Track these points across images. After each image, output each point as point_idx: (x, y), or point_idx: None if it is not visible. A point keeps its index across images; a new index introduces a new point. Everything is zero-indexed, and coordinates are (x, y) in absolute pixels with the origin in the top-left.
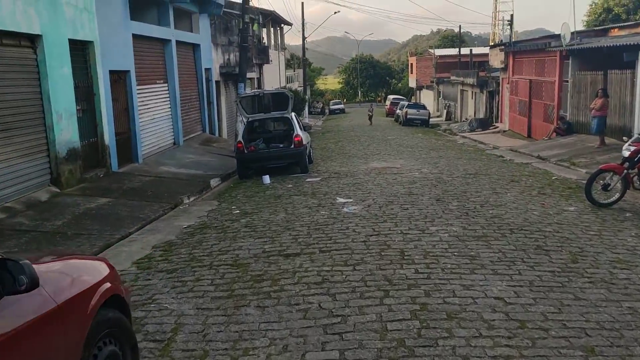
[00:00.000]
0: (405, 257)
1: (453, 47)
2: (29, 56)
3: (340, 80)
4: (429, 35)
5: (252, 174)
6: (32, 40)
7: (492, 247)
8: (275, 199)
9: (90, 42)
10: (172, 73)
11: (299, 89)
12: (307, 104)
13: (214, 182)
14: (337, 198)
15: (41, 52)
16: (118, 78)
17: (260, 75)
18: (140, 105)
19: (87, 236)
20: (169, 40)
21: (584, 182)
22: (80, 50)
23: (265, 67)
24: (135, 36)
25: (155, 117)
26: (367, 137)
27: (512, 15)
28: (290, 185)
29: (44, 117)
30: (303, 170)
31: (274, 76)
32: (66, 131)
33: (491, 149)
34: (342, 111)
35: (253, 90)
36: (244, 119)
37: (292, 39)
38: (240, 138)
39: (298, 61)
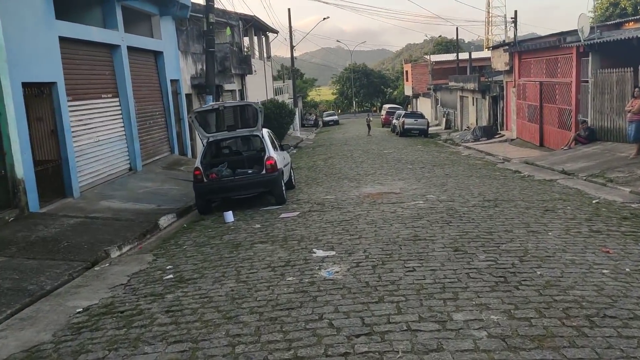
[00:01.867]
0: None
1: (448, 53)
2: None
3: (334, 91)
4: (422, 43)
5: (216, 207)
6: None
7: None
8: (232, 250)
9: None
10: (124, 85)
11: (289, 100)
12: (297, 116)
13: (165, 220)
14: (315, 250)
15: None
16: (39, 92)
17: (242, 87)
18: (76, 126)
19: None
20: (118, 46)
21: (636, 205)
22: None
23: (249, 78)
24: (64, 39)
25: (101, 138)
26: (361, 152)
27: (515, 12)
28: (259, 225)
29: None
30: (279, 201)
31: (260, 87)
32: None
33: (502, 161)
34: (336, 122)
35: (212, 104)
36: (202, 140)
37: (284, 50)
38: (197, 164)
39: (288, 72)
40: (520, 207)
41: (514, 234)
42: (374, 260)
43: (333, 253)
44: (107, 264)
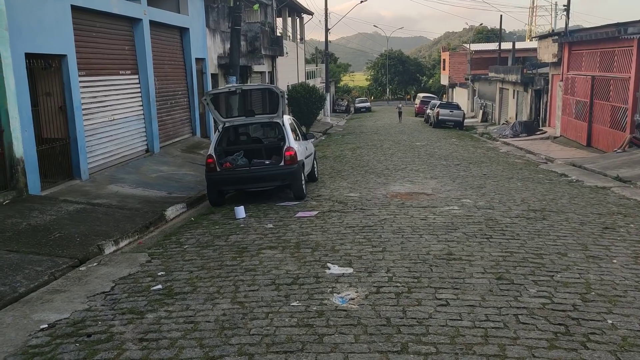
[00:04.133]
0: None
1: (488, 42)
2: None
3: (368, 77)
4: (462, 32)
5: (229, 198)
6: None
7: None
8: (236, 255)
9: None
10: (144, 62)
11: (321, 85)
12: (328, 101)
13: (172, 211)
14: (329, 265)
15: None
16: (46, 65)
17: (272, 69)
18: (89, 103)
19: None
20: (139, 20)
21: None
22: None
23: (280, 60)
24: (78, 9)
25: (116, 117)
26: (391, 143)
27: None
28: (271, 225)
29: None
30: (297, 196)
31: (291, 70)
32: None
33: (545, 161)
34: (368, 109)
35: (228, 85)
36: (218, 124)
37: (319, 33)
38: (211, 151)
39: (322, 55)
40: (573, 222)
41: (570, 259)
42: (399, 284)
43: (350, 270)
44: (96, 263)
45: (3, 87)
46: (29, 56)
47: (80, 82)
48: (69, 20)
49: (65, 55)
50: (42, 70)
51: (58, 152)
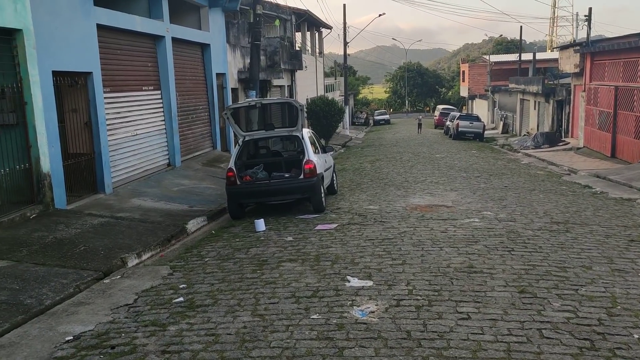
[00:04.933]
0: None
1: (508, 53)
2: None
3: (387, 90)
4: (481, 43)
5: (249, 211)
6: None
7: None
8: (256, 268)
9: (18, 31)
10: (166, 77)
11: (340, 98)
12: (347, 114)
13: (194, 224)
14: (349, 277)
15: None
16: (72, 82)
17: (292, 83)
18: (113, 118)
19: None
20: (162, 37)
21: None
22: (3, 42)
23: (299, 73)
24: (103, 28)
25: (139, 132)
26: (411, 155)
27: (590, 9)
28: (291, 238)
29: None
30: (317, 209)
31: (310, 84)
32: None
33: (568, 173)
34: (387, 122)
35: (248, 100)
36: (238, 138)
37: (337, 47)
38: (231, 164)
39: (341, 69)
40: (597, 235)
41: (595, 273)
42: (419, 297)
43: (370, 283)
44: (119, 276)
45: (31, 105)
46: (56, 74)
47: (104, 98)
48: (95, 39)
49: (90, 73)
50: (69, 87)
51: (83, 166)
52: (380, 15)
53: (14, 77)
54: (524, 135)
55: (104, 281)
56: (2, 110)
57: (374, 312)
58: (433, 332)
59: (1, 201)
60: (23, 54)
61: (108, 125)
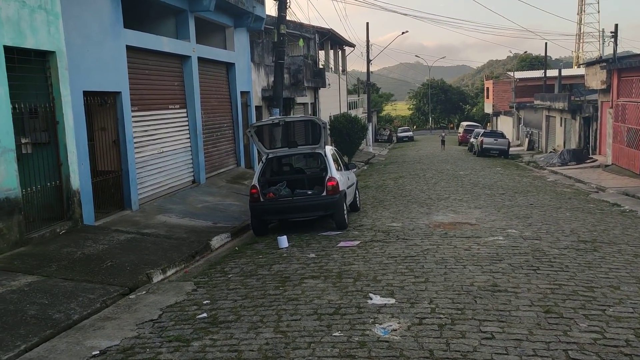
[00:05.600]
0: None
1: (533, 70)
2: None
3: (411, 106)
4: (505, 60)
5: (273, 227)
6: None
7: None
8: (279, 284)
9: (51, 53)
10: (192, 96)
11: (363, 115)
12: (370, 131)
13: (218, 240)
14: (371, 295)
15: None
16: (102, 101)
17: (315, 100)
18: (140, 136)
19: None
20: (188, 57)
21: None
22: (37, 64)
23: (323, 91)
24: (132, 49)
25: (165, 150)
26: (434, 172)
27: (616, 26)
28: (313, 255)
29: None
30: (339, 226)
31: (333, 101)
32: None
33: (596, 191)
34: (410, 139)
35: (271, 117)
36: (262, 156)
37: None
38: (255, 181)
39: (364, 86)
40: (626, 254)
41: (623, 293)
42: (442, 316)
43: (392, 301)
44: (144, 292)
45: (62, 124)
46: (86, 94)
47: (132, 116)
48: (124, 59)
49: (119, 92)
50: (98, 106)
51: (111, 183)
52: (403, 33)
53: (46, 97)
54: (550, 152)
55: (130, 296)
56: (35, 129)
57: (396, 330)
58: (456, 351)
59: (32, 217)
60: (56, 75)
61: (135, 143)
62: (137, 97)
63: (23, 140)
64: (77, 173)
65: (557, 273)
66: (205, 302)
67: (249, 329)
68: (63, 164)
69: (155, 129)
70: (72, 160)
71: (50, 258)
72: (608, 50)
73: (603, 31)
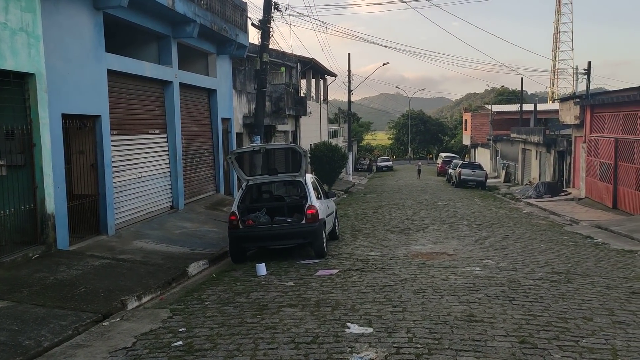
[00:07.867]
0: None
1: (509, 103)
2: None
3: (391, 136)
4: (483, 93)
5: (251, 254)
6: None
7: None
8: (256, 312)
9: (30, 75)
10: (173, 121)
11: (344, 144)
12: (350, 160)
13: (195, 267)
14: (349, 324)
15: None
16: (81, 125)
17: (296, 128)
18: (119, 161)
19: None
20: (170, 83)
21: None
22: (16, 85)
23: (303, 119)
24: (113, 73)
25: (144, 175)
26: (413, 202)
27: (589, 63)
28: (291, 283)
29: None
30: (318, 255)
31: (314, 130)
32: None
33: (570, 223)
34: (389, 168)
35: (252, 145)
36: (242, 182)
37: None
38: (234, 208)
39: (345, 115)
40: (598, 286)
41: (596, 324)
42: (419, 346)
43: (370, 330)
44: (119, 318)
45: (39, 146)
46: (65, 117)
47: (112, 140)
48: (105, 83)
49: (99, 116)
50: (77, 129)
51: (87, 207)
52: (384, 64)
53: (24, 119)
54: (526, 184)
55: (103, 323)
56: (10, 151)
57: (373, 359)
58: None
59: (4, 241)
60: (34, 97)
61: (114, 167)
62: (116, 121)
63: None
64: (53, 196)
65: (532, 304)
66: (181, 329)
67: (225, 358)
68: (38, 186)
69: (135, 154)
70: (47, 183)
71: (22, 283)
72: (582, 87)
73: (577, 68)
